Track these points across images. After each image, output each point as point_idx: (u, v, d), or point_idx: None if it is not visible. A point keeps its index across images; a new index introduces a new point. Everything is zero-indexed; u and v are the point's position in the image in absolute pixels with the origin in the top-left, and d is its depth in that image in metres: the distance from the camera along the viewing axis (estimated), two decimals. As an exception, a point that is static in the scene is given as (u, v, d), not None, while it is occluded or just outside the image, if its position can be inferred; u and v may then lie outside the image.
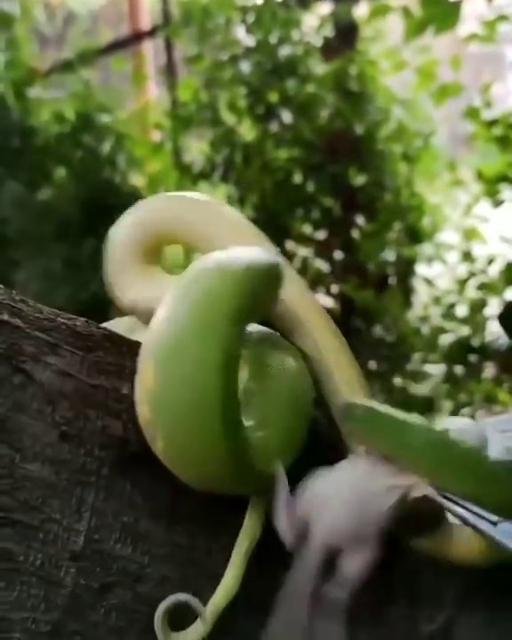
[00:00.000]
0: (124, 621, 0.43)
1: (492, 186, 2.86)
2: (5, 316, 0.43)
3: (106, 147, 3.43)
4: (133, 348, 0.45)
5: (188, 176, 3.35)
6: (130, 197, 3.78)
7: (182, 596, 0.42)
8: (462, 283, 2.95)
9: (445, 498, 0.39)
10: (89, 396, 0.44)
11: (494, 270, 2.79)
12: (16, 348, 0.43)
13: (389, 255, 3.33)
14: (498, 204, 2.88)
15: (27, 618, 0.40)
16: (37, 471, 0.41)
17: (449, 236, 3.19)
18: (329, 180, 3.06)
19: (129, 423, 0.45)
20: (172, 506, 0.45)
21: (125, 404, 0.45)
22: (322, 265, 3.42)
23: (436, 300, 2.92)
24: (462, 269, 3.00)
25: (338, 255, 3.42)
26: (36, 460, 0.41)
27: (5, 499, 0.41)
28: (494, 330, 2.43)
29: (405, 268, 3.30)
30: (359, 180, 3.24)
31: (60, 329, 0.45)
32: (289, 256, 3.39)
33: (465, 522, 0.38)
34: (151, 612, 0.44)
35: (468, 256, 2.97)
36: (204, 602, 0.43)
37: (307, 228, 3.46)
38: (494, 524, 0.37)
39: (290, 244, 3.35)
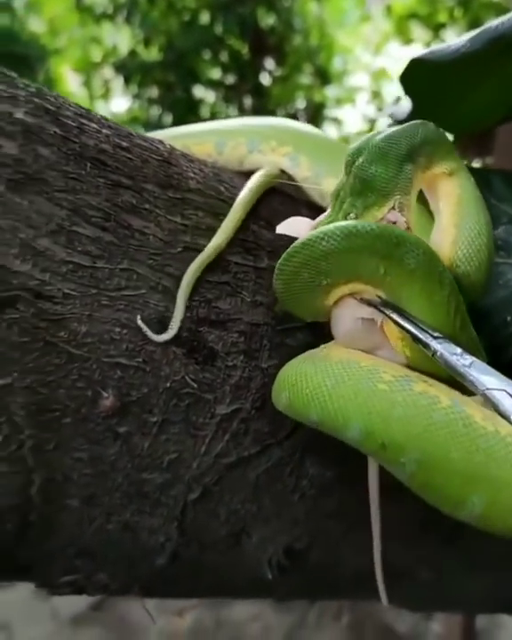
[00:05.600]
0: (26, 336, 0.45)
1: (402, 23, 2.82)
2: None
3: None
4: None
5: (91, 18, 3.18)
6: (31, 44, 3.59)
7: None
8: (372, 122, 2.97)
9: (396, 311, 0.43)
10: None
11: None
12: None
13: (299, 102, 3.29)
14: (408, 42, 2.85)
15: None
16: None
17: (359, 78, 3.16)
18: (237, 20, 2.96)
19: (24, 145, 0.46)
20: (70, 222, 0.47)
21: (20, 127, 0.46)
22: (231, 111, 3.36)
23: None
24: (371, 110, 3.01)
25: (247, 101, 3.37)
26: None
27: None
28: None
29: (315, 113, 3.28)
30: (268, 21, 3.13)
31: None
32: (196, 103, 3.31)
33: (411, 335, 0.41)
34: (53, 326, 0.46)
35: (377, 95, 2.97)
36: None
37: (215, 73, 3.37)
38: (435, 337, 0.41)
39: (199, 90, 3.26)
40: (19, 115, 0.48)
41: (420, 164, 0.47)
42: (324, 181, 0.67)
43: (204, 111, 3.33)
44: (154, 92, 3.35)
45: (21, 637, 2.23)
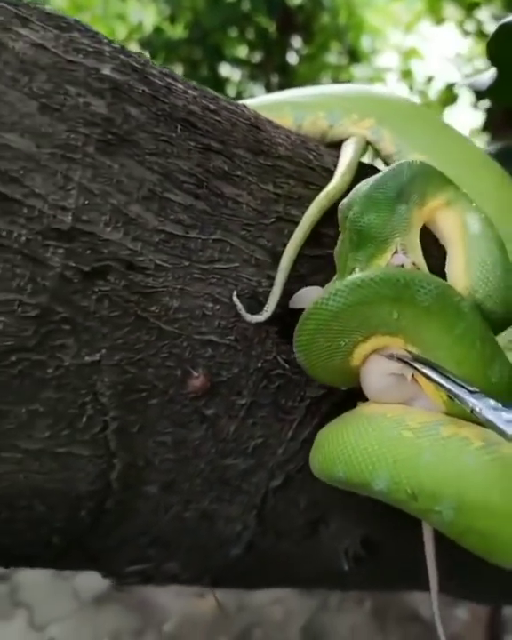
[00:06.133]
0: (117, 311, 0.42)
1: (434, 2, 2.76)
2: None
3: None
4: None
5: (116, -7, 3.12)
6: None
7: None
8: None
9: (427, 365, 0.40)
10: (67, 72, 0.40)
11: (434, 89, 2.75)
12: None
13: (326, 81, 3.23)
14: (440, 21, 2.79)
15: (12, 300, 0.38)
16: (16, 142, 0.38)
17: (388, 57, 3.10)
18: (265, -3, 2.89)
19: (113, 104, 0.42)
20: (162, 188, 0.43)
21: (108, 84, 0.42)
22: (257, 90, 3.31)
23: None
24: (402, 89, 2.95)
25: (274, 79, 3.31)
26: (14, 131, 0.38)
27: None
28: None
29: (343, 92, 3.21)
30: (296, -1, 3.07)
31: (29, 6, 0.40)
32: (222, 81, 3.26)
33: (446, 391, 0.38)
34: (144, 300, 0.43)
35: (407, 74, 2.91)
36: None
37: (242, 51, 3.31)
38: (472, 392, 0.37)
39: (224, 68, 3.21)
40: (106, 71, 0.44)
41: (413, 201, 0.45)
42: (408, 157, 0.63)
43: (231, 90, 3.27)
44: (179, 69, 3.30)
45: (43, 617, 2.22)
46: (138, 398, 0.48)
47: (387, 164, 0.65)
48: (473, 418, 0.38)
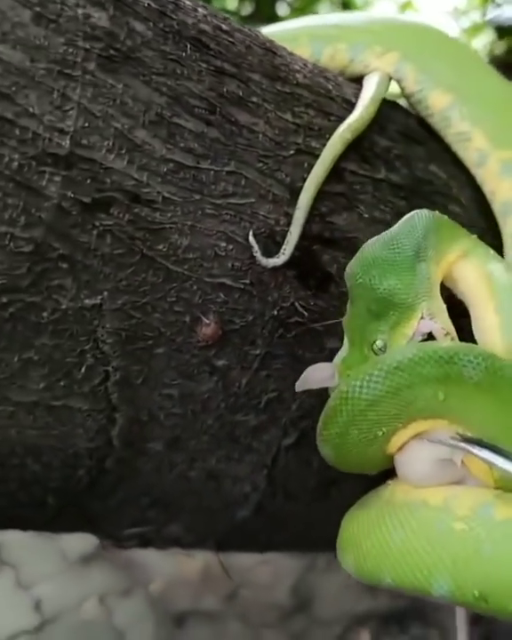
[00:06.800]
0: (120, 248, 0.37)
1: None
2: None
3: None
4: None
5: None
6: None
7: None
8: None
9: (484, 446, 0.36)
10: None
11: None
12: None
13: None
14: (437, -28, 2.69)
15: (3, 234, 0.33)
16: (7, 54, 0.33)
17: (383, 6, 3.01)
18: None
19: (116, 17, 0.37)
20: (171, 112, 0.38)
21: None
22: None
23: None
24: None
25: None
26: (5, 42, 0.33)
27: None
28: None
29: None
30: None
31: None
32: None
33: (493, 465, 0.35)
34: (150, 237, 0.38)
35: (403, 28, 2.82)
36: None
37: (231, 2, 3.20)
38: None
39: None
40: (106, -19, 0.39)
41: (431, 258, 0.41)
42: (431, 96, 0.58)
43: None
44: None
45: (29, 577, 2.19)
46: (143, 347, 0.43)
47: (408, 101, 0.60)
48: None
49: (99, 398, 0.44)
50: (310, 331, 0.47)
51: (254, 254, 0.44)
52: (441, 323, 0.39)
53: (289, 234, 0.44)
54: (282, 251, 0.44)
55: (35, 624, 2.15)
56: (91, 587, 2.20)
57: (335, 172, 0.48)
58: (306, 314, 0.47)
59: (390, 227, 0.47)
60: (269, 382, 0.48)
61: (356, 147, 0.49)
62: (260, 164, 0.45)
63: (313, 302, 0.46)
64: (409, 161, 0.53)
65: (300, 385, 0.42)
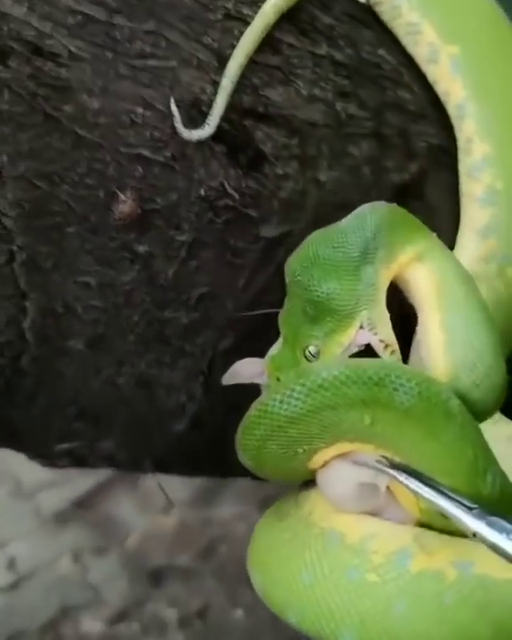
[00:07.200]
0: (20, 106, 0.32)
1: None
2: None
3: None
4: None
5: None
6: None
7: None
8: None
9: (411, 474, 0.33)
10: None
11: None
12: None
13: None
14: None
15: None
16: None
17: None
18: None
19: None
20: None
21: None
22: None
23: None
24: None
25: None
26: None
27: None
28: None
29: None
30: None
31: None
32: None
33: (439, 509, 0.32)
34: (55, 96, 0.33)
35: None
36: None
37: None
38: (469, 508, 0.31)
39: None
40: None
41: (380, 259, 0.37)
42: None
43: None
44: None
45: (2, 535, 2.17)
46: (51, 224, 0.39)
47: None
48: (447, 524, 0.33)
49: (5, 282, 0.40)
50: (242, 216, 0.43)
51: (176, 125, 0.39)
52: (382, 334, 0.36)
53: (214, 104, 0.40)
54: (207, 121, 0.40)
55: (9, 582, 2.13)
56: (65, 544, 2.17)
57: (270, 44, 0.43)
58: (237, 196, 0.42)
59: (331, 106, 0.43)
60: (199, 275, 0.44)
61: (294, 19, 0.45)
62: (184, 26, 0.41)
63: (244, 183, 0.42)
64: (354, 42, 0.48)
65: (228, 379, 0.40)
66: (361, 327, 0.36)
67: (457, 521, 0.31)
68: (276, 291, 0.46)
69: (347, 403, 0.32)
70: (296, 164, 0.44)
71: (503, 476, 0.33)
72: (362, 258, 0.37)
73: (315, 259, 0.37)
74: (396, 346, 0.37)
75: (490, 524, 0.30)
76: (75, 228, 0.40)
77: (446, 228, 0.50)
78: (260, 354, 0.45)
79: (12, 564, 2.05)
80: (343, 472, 0.36)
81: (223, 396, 0.50)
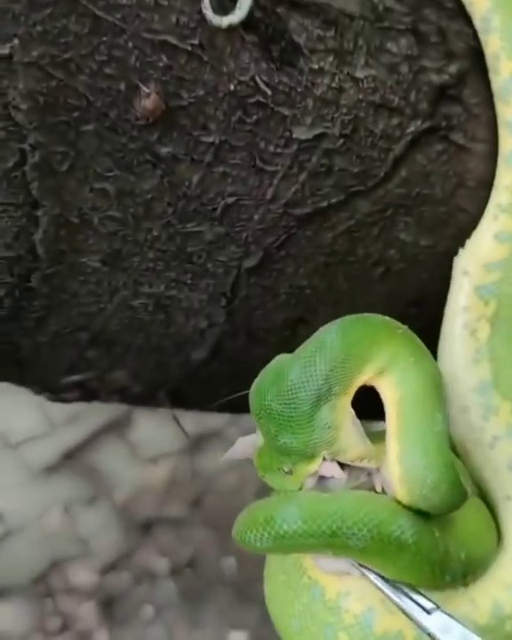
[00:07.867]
0: None
1: None
2: None
3: None
4: None
5: None
6: None
7: None
8: None
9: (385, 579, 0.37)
10: None
11: None
12: None
13: None
14: None
15: None
16: None
17: None
18: None
19: None
20: None
21: None
22: None
23: None
24: None
25: None
26: None
27: None
28: None
29: None
30: None
31: None
32: None
33: (399, 609, 0.36)
34: None
35: None
36: None
37: None
38: (428, 611, 0.35)
39: None
40: None
41: (336, 394, 0.37)
42: None
43: None
44: None
45: (-11, 489, 2.15)
46: (67, 120, 0.35)
47: None
48: None
49: (15, 188, 0.35)
50: (275, 114, 0.39)
51: (203, 9, 0.35)
52: (350, 455, 0.37)
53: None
54: (238, 5, 0.35)
55: (-2, 535, 2.11)
56: (54, 496, 2.16)
57: None
58: (269, 92, 0.38)
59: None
60: (226, 183, 0.40)
61: None
62: None
63: (277, 79, 0.38)
64: None
65: (229, 455, 0.41)
66: (324, 459, 0.37)
67: (415, 622, 0.35)
68: (304, 205, 0.42)
69: (307, 548, 0.37)
70: (332, 58, 0.40)
71: (462, 566, 0.37)
72: (315, 405, 0.37)
73: (269, 411, 0.37)
74: (369, 455, 0.38)
75: (444, 630, 0.34)
76: (93, 125, 0.35)
77: (487, 137, 0.46)
78: (284, 276, 0.42)
79: (0, 518, 2.03)
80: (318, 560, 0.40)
81: (246, 321, 0.46)
